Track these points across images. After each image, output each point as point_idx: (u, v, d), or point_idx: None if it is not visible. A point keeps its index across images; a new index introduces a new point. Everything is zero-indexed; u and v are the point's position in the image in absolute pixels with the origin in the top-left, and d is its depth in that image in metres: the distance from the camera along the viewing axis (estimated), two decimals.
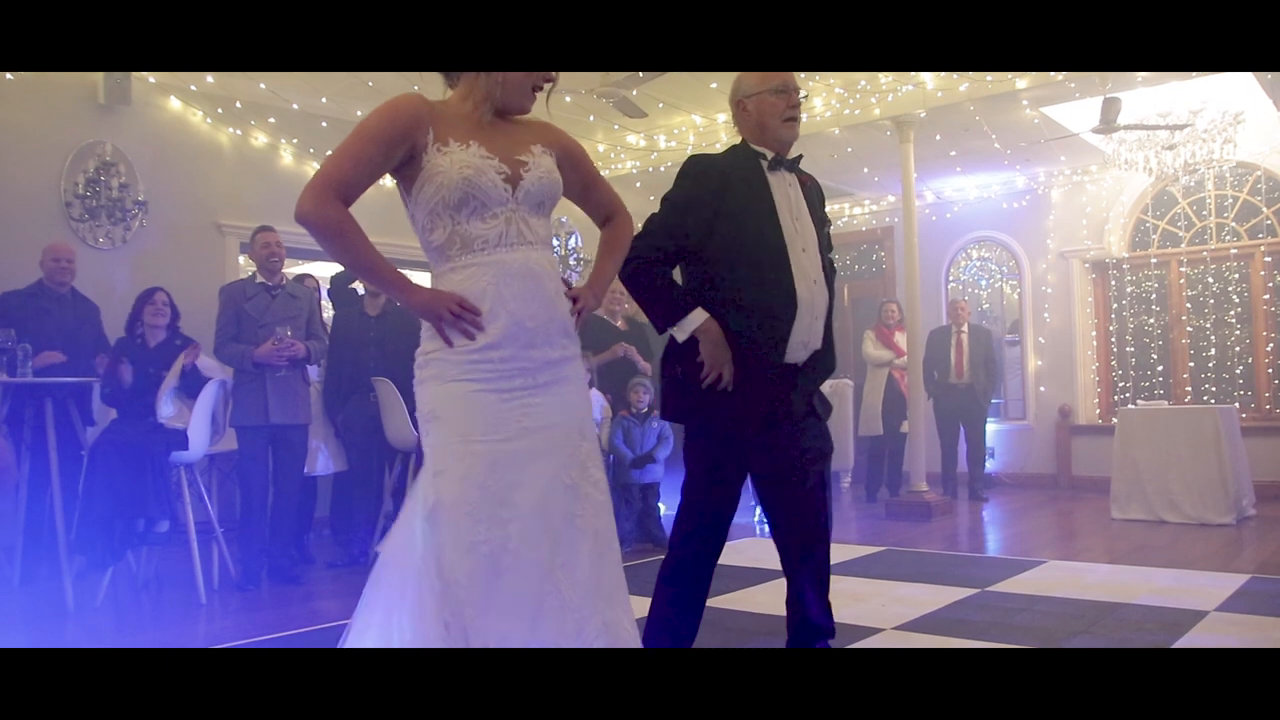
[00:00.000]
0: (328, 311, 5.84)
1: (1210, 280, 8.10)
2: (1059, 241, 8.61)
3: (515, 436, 1.86)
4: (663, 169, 7.67)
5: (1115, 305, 8.53)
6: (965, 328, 7.78)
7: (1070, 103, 6.70)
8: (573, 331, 2.00)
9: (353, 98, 6.53)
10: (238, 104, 6.53)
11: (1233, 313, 8.03)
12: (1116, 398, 8.41)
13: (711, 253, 2.58)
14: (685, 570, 2.67)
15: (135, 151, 6.09)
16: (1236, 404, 7.38)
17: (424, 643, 1.78)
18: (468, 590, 1.77)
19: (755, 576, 4.52)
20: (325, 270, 6.36)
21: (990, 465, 8.34)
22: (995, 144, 7.44)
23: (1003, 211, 8.84)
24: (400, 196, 1.97)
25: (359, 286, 5.55)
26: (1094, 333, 8.60)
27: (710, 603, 2.76)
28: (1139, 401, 7.62)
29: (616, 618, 1.93)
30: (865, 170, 8.28)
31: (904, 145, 6.81)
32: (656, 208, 2.65)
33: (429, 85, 2.06)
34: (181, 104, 6.37)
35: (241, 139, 6.65)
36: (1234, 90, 6.59)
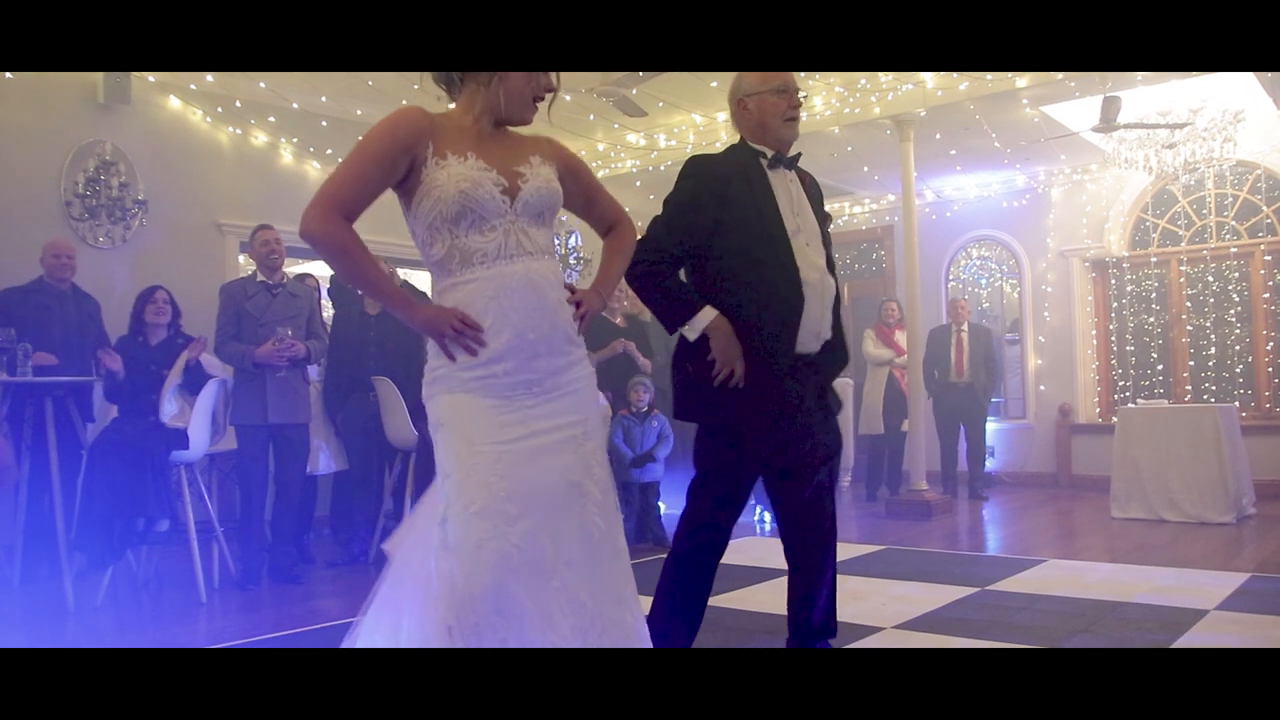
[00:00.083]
0: (328, 311, 5.84)
1: (1210, 279, 8.10)
2: (1059, 240, 8.61)
3: (520, 438, 1.87)
4: (663, 168, 7.67)
5: (1115, 304, 8.53)
6: (965, 327, 7.78)
7: (1070, 102, 6.70)
8: (576, 337, 2.00)
9: (353, 97, 6.53)
10: (237, 103, 6.52)
11: (1233, 311, 8.03)
12: (1116, 396, 8.40)
13: (717, 251, 2.59)
14: (688, 569, 2.67)
15: (135, 151, 6.09)
16: (1236, 403, 7.38)
17: (427, 644, 1.78)
18: (474, 590, 1.77)
19: (755, 575, 4.53)
20: (325, 270, 6.34)
21: (990, 464, 8.34)
22: (995, 143, 7.44)
23: (1003, 210, 8.84)
24: (400, 210, 1.98)
25: None
26: (1094, 331, 8.60)
27: (710, 601, 2.76)
28: (1139, 400, 7.63)
29: (624, 617, 1.93)
30: (865, 169, 8.27)
31: (904, 144, 6.80)
32: (657, 207, 2.65)
33: (429, 85, 2.07)
34: (181, 103, 6.37)
35: (241, 138, 6.65)
36: (1234, 89, 6.58)
